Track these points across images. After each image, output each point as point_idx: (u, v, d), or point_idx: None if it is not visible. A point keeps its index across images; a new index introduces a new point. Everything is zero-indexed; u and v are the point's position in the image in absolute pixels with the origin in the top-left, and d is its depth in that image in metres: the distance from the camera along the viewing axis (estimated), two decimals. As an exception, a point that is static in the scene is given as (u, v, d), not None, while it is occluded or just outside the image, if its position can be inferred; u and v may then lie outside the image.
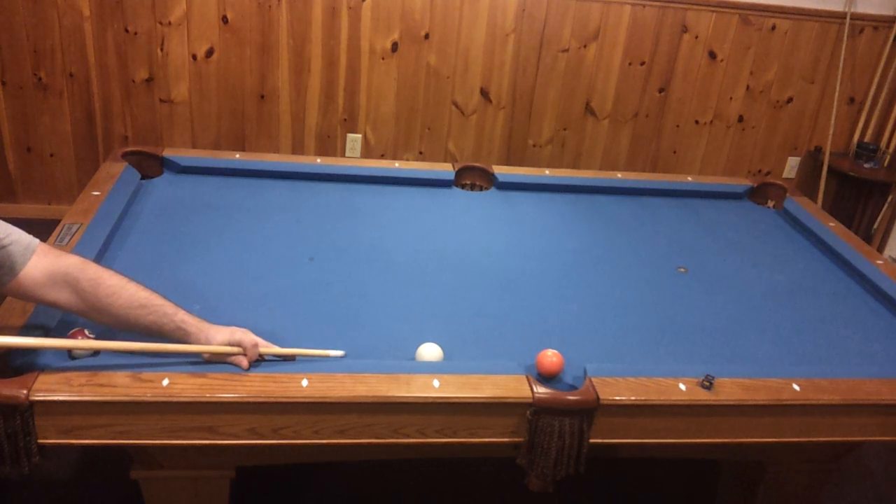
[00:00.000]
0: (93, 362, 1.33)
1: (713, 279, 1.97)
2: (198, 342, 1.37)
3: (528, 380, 1.39)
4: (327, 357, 1.45)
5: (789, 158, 3.78)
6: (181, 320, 1.36)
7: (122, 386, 1.27)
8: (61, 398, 1.24)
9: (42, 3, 3.00)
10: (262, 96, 3.31)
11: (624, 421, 1.41)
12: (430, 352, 1.49)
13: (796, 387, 1.46)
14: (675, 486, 2.23)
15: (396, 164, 2.41)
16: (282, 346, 1.44)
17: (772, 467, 1.71)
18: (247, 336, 1.38)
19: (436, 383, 1.36)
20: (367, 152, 3.49)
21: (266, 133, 3.39)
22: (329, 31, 3.23)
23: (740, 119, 3.65)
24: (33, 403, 1.23)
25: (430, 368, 1.42)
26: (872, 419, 1.50)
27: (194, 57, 3.20)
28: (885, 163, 3.64)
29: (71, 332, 1.39)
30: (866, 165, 3.61)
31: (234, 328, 1.39)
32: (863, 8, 3.46)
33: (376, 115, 3.42)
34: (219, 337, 1.37)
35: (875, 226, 3.72)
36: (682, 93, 3.55)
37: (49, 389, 1.24)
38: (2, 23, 3.00)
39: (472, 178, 2.38)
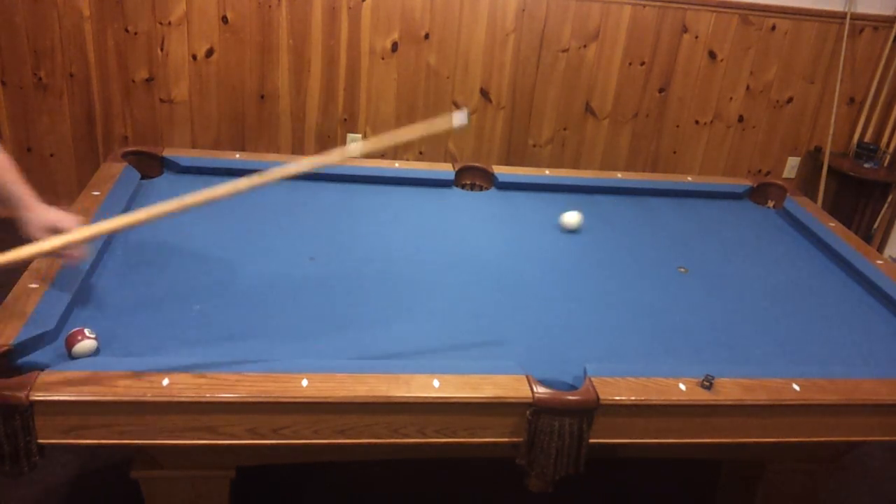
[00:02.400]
0: (93, 362, 1.33)
1: (713, 279, 1.96)
2: (26, 209, 1.44)
3: (528, 380, 1.39)
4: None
5: (789, 158, 3.78)
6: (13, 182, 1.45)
7: (122, 386, 1.27)
8: (61, 398, 1.24)
9: (42, 3, 3.00)
10: (262, 96, 3.31)
11: (624, 421, 1.41)
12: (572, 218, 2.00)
13: (796, 387, 1.46)
14: (675, 486, 2.24)
15: (396, 164, 2.41)
16: (282, 347, 1.44)
17: (772, 467, 1.71)
18: (71, 222, 1.45)
19: (436, 383, 1.36)
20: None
21: (266, 133, 3.39)
22: (329, 31, 3.23)
23: (740, 119, 3.64)
24: (33, 403, 1.23)
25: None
26: (872, 419, 1.50)
27: (194, 57, 3.20)
28: (885, 163, 3.64)
29: (70, 331, 1.39)
30: (866, 165, 3.61)
31: (62, 214, 1.45)
32: (863, 8, 3.46)
33: (376, 115, 3.42)
34: (49, 216, 1.43)
35: (875, 226, 3.72)
36: (682, 93, 3.55)
37: (49, 389, 1.24)
38: (2, 23, 3.00)
39: (472, 178, 2.38)
